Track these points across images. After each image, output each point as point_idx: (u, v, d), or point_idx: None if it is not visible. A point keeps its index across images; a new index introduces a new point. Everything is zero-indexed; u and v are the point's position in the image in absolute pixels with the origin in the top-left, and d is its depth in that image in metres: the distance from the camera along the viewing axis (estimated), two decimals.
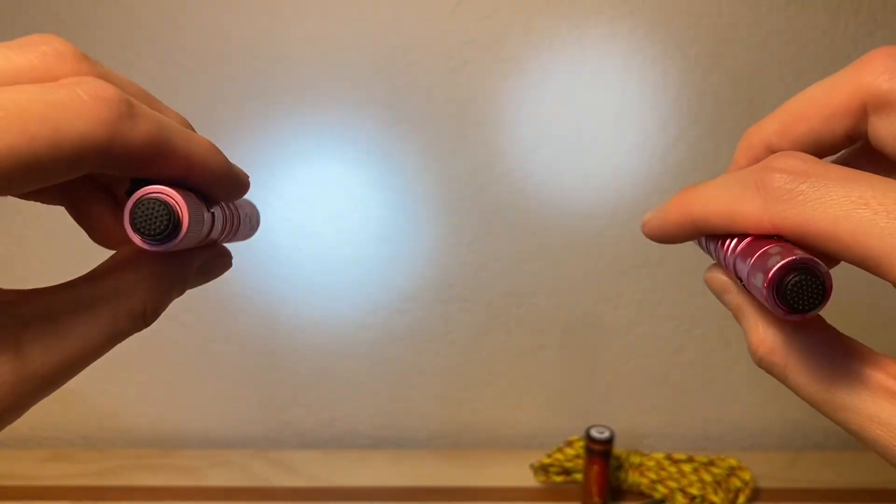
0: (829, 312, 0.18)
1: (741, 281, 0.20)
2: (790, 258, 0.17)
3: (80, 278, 0.19)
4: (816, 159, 0.19)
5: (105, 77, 0.18)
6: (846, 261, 0.18)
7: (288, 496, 0.62)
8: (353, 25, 0.58)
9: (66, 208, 0.22)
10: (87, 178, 0.21)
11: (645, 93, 0.60)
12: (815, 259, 0.17)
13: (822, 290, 0.17)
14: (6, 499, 0.61)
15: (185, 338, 0.67)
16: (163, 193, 0.18)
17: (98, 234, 0.22)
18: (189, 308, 0.66)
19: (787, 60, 0.59)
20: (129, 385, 0.69)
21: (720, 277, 0.23)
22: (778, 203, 0.18)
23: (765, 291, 0.17)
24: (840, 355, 0.19)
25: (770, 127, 0.23)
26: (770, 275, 0.17)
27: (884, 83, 0.20)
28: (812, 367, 0.19)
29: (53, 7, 0.58)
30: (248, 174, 0.23)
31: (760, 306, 0.20)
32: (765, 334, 0.20)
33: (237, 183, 0.22)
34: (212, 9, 0.58)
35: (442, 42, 0.59)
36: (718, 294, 0.23)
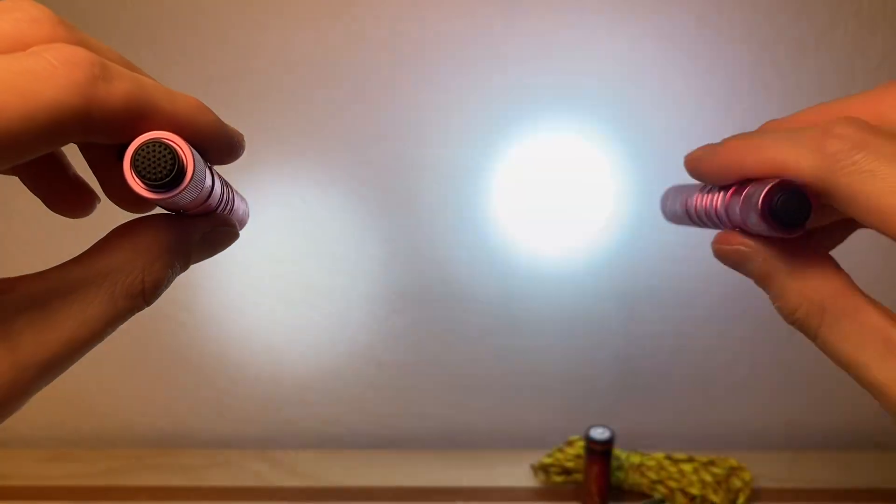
0: None
1: (737, 220, 0.22)
2: (774, 182, 0.20)
3: (71, 261, 0.18)
4: (878, 130, 0.19)
5: (82, 43, 0.17)
6: (884, 234, 0.18)
7: (287, 496, 0.62)
8: (353, 25, 0.58)
9: (21, 179, 0.21)
10: None
11: (644, 92, 0.60)
12: (795, 181, 0.20)
13: (807, 206, 0.20)
14: (6, 499, 0.61)
15: (185, 337, 0.67)
16: (165, 137, 0.17)
17: (56, 201, 0.21)
18: (188, 308, 0.66)
19: (787, 60, 0.59)
20: (129, 385, 0.69)
21: (742, 245, 0.23)
22: (830, 167, 0.19)
23: (758, 208, 0.20)
24: (868, 315, 0.20)
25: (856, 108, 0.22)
26: (762, 195, 0.20)
27: None
28: (843, 326, 0.20)
29: (52, 7, 0.58)
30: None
31: (791, 269, 0.22)
32: (801, 294, 0.21)
33: (231, 142, 0.21)
34: (211, 9, 0.58)
35: (442, 42, 0.59)
36: (739, 263, 0.23)
